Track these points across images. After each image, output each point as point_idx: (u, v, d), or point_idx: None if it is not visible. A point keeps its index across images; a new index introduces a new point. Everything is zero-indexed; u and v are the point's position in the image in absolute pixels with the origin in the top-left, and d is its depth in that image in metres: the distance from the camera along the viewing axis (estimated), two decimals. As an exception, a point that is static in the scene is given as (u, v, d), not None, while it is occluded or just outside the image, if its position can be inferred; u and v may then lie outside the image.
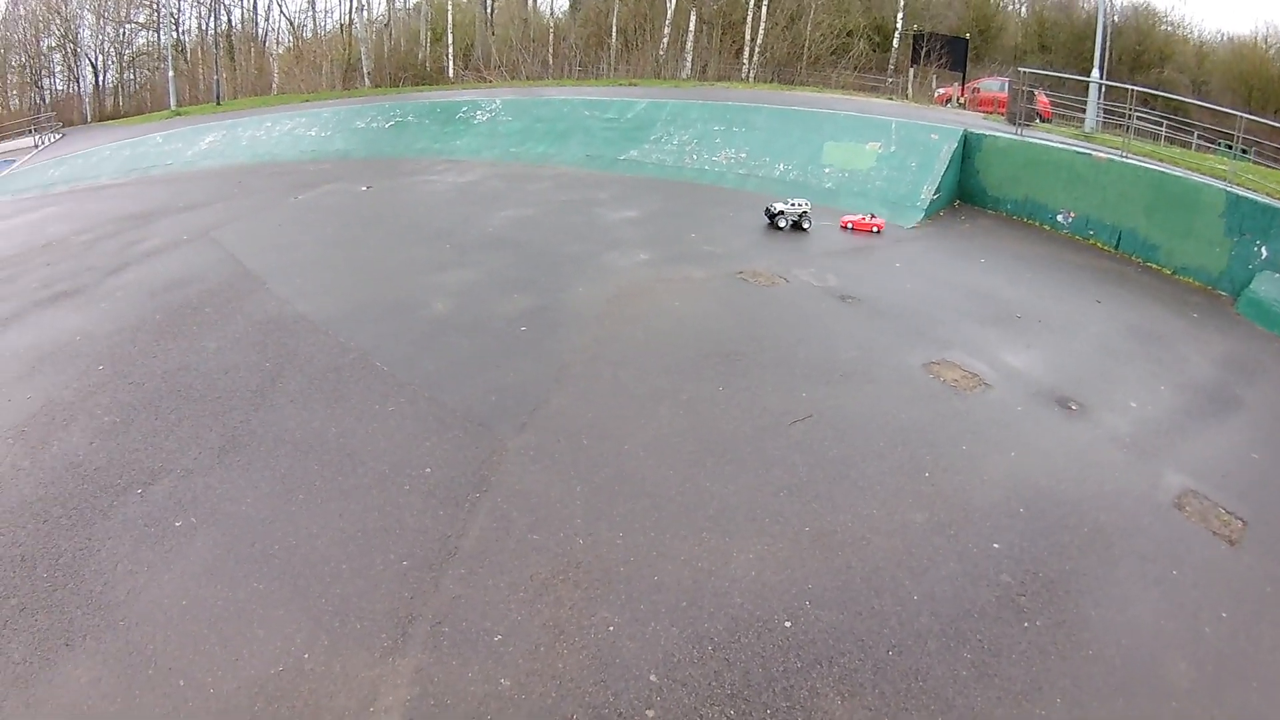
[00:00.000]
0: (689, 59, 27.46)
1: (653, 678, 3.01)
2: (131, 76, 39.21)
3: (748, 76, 26.65)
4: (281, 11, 37.32)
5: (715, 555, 3.57)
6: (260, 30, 36.40)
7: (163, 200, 13.08)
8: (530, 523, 3.77)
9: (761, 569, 3.50)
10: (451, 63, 31.22)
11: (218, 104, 26.69)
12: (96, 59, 38.40)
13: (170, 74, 30.19)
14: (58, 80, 39.37)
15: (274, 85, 32.11)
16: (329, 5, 38.44)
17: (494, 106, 14.35)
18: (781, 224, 8.79)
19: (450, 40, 31.34)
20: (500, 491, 4.02)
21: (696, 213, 9.32)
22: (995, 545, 3.72)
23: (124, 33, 38.14)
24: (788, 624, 3.23)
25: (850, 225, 8.95)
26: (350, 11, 33.71)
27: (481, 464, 4.24)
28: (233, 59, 34.25)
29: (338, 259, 8.05)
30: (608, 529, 3.72)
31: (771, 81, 24.76)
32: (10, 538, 4.24)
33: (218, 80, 29.31)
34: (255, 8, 36.21)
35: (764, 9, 27.18)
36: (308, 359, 5.55)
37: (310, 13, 36.12)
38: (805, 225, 8.85)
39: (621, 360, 5.40)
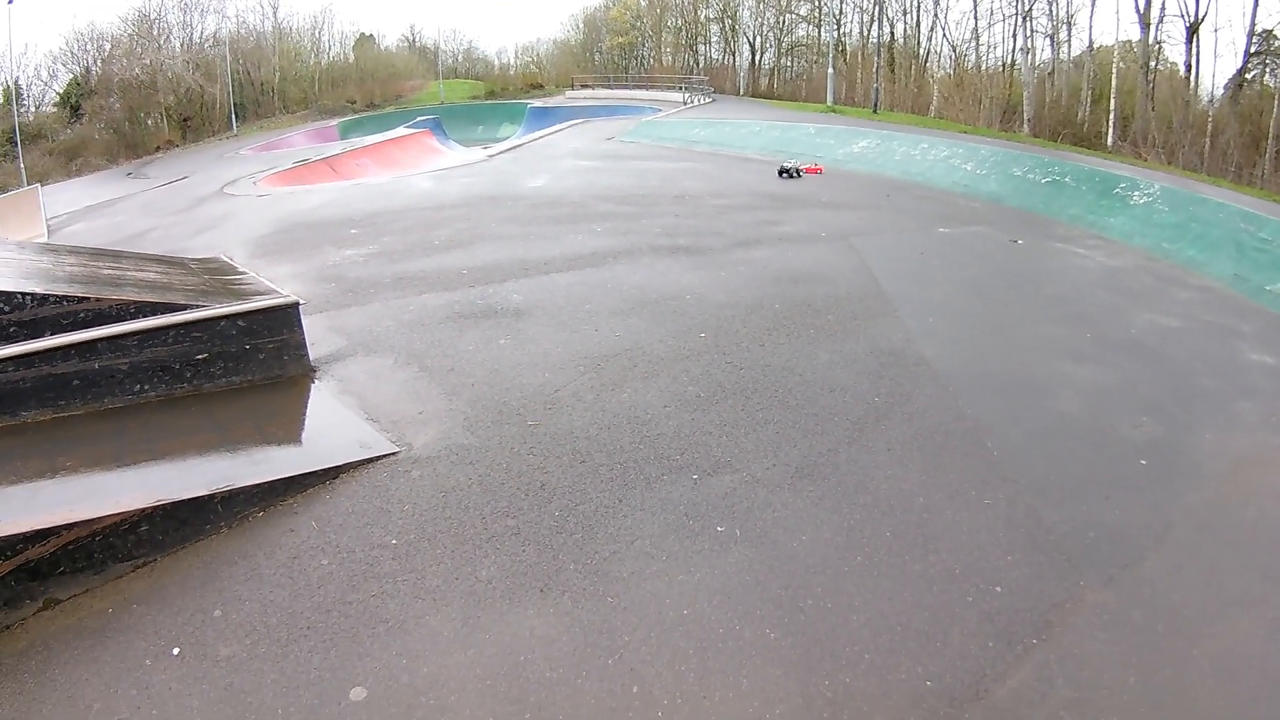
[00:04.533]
0: (1346, 181, 21.22)
1: None
2: (789, 63, 43.05)
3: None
4: (945, 36, 37.34)
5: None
6: (922, 49, 37.38)
7: (805, 190, 14.07)
8: (1069, 698, 3.15)
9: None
10: (1111, 130, 27.71)
11: (874, 112, 27.89)
12: (755, 39, 43.01)
13: (830, 71, 31.85)
14: (713, 49, 45.22)
15: (932, 108, 32.41)
16: (992, 40, 37.17)
17: (1153, 191, 12.75)
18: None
19: (1113, 106, 27.82)
20: (1057, 647, 3.39)
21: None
22: None
23: (784, 21, 42.27)
24: None
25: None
26: (1014, 51, 32.43)
27: (1052, 607, 3.60)
28: (893, 71, 35.68)
29: (974, 309, 7.81)
30: (1139, 736, 2.98)
31: None
32: (538, 461, 4.19)
33: (876, 89, 30.13)
34: (919, 25, 37.25)
35: None
36: (919, 410, 5.31)
37: (974, 43, 35.32)
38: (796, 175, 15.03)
39: (1228, 543, 4.30)
